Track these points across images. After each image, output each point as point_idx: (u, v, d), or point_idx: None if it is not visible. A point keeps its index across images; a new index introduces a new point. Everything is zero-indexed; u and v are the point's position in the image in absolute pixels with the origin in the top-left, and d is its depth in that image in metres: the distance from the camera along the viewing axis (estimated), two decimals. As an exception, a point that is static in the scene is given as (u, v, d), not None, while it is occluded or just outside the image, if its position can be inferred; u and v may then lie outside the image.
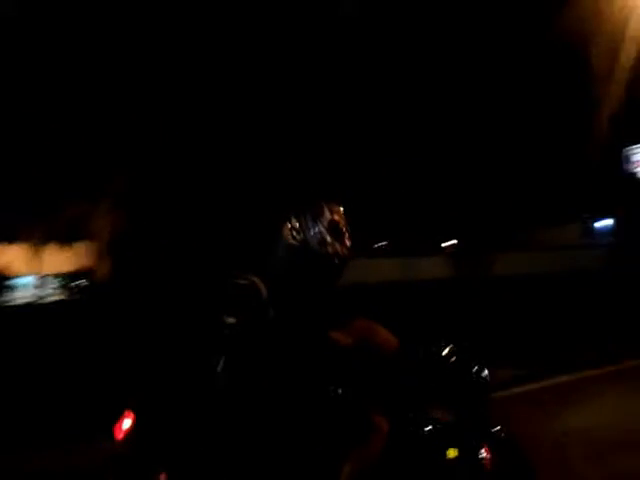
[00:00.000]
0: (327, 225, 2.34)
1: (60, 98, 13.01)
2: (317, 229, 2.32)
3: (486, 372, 2.45)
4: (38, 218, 14.81)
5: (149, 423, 2.22)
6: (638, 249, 21.95)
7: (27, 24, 12.56)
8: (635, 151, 25.16)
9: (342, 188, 12.71)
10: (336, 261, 2.32)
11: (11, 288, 15.87)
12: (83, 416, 5.57)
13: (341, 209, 2.45)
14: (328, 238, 2.32)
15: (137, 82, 13.27)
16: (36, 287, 18.11)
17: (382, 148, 17.30)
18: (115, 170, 13.94)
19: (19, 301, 15.63)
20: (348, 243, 2.39)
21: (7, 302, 14.96)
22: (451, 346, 2.45)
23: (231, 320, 2.12)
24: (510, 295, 13.55)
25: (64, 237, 15.76)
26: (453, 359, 2.41)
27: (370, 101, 15.83)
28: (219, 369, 2.11)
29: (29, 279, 18.05)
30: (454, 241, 24.53)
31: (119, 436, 2.22)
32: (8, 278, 15.81)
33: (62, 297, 16.67)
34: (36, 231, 15.34)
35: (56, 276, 17.69)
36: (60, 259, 16.54)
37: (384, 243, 23.64)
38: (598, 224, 26.25)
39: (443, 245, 24.74)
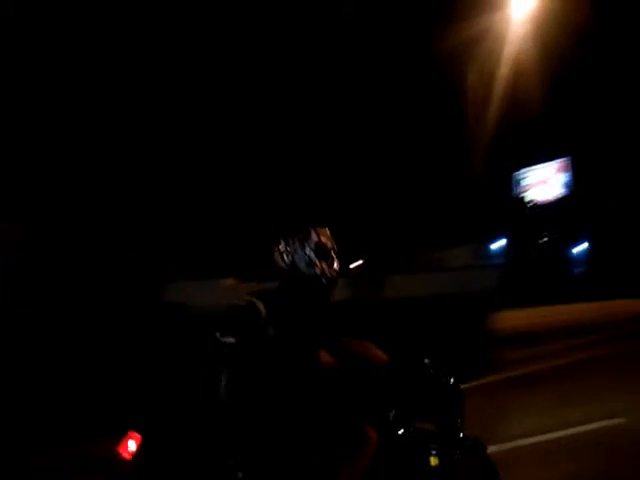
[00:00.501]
0: (314, 247, 2.45)
1: None
2: (304, 251, 2.44)
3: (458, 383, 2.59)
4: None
5: (157, 443, 2.27)
6: (526, 269, 22.90)
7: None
8: (524, 175, 26.41)
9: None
10: (324, 281, 2.45)
11: None
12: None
13: (327, 231, 2.56)
14: (315, 260, 2.44)
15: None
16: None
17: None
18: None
19: None
20: (335, 264, 2.51)
21: None
22: (428, 360, 2.58)
23: (230, 340, 2.23)
24: (399, 317, 13.47)
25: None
26: (432, 372, 2.54)
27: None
28: (222, 386, 2.21)
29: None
30: (360, 261, 24.66)
31: (125, 456, 2.26)
32: None
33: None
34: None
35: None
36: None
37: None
38: (493, 245, 27.09)
39: (351, 266, 24.81)
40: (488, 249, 26.45)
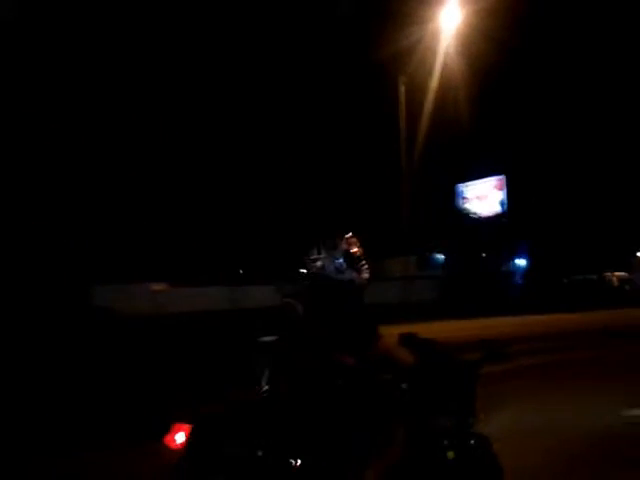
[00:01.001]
0: (343, 254, 2.61)
1: None
2: (334, 259, 2.59)
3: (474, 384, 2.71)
4: None
5: (207, 433, 2.36)
6: (465, 279, 23.15)
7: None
8: (466, 187, 26.73)
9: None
10: (353, 286, 2.61)
11: None
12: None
13: (356, 239, 2.70)
14: (344, 266, 2.59)
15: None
16: None
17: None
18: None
19: None
20: (364, 269, 2.67)
21: None
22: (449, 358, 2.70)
23: (271, 338, 2.41)
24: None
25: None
26: (455, 373, 2.64)
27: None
28: (264, 381, 2.39)
29: None
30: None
31: (174, 446, 2.37)
32: None
33: None
34: None
35: None
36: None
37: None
38: (436, 256, 27.36)
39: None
40: (429, 260, 26.76)
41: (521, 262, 29.58)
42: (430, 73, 13.82)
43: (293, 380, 2.44)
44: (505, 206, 25.09)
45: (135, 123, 15.14)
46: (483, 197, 25.81)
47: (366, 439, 2.44)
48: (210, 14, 15.45)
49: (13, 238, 13.81)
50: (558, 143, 25.75)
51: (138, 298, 17.18)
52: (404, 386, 2.59)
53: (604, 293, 23.15)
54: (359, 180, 20.06)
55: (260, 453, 2.31)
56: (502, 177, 25.22)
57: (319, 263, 2.63)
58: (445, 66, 13.78)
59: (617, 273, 28.67)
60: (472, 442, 2.65)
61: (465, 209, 26.42)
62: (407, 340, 2.69)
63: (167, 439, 2.44)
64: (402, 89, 13.99)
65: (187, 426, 2.41)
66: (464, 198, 26.58)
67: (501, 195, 25.19)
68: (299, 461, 2.34)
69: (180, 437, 2.40)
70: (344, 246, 2.67)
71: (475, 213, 26.11)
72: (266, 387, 2.45)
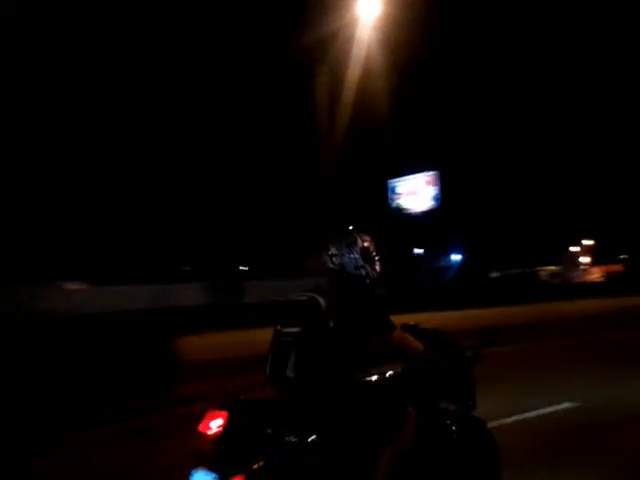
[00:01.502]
0: (359, 251, 2.75)
1: None
2: (351, 255, 2.75)
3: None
4: None
5: (243, 420, 2.49)
6: (398, 277, 23.13)
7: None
8: (398, 183, 26.87)
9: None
10: (368, 281, 2.77)
11: None
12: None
13: (370, 237, 2.82)
14: (361, 262, 2.74)
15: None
16: None
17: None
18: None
19: None
20: (377, 266, 2.80)
21: None
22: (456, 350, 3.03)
23: (295, 329, 2.60)
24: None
25: None
26: (460, 361, 3.01)
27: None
28: (289, 371, 2.56)
29: None
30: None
31: (209, 432, 2.46)
32: None
33: None
34: None
35: None
36: None
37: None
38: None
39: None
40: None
41: (457, 257, 30.01)
42: (348, 64, 13.61)
43: (320, 369, 2.57)
44: (438, 201, 25.29)
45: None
46: (416, 193, 25.93)
47: (384, 424, 2.64)
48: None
49: None
50: (491, 138, 26.13)
51: (53, 299, 16.43)
52: (415, 373, 2.86)
53: (534, 287, 23.62)
54: (291, 178, 19.85)
55: (294, 438, 2.45)
56: (435, 172, 25.38)
57: (337, 259, 2.77)
58: (368, 57, 13.61)
59: (547, 267, 29.55)
60: (471, 423, 2.99)
61: (398, 205, 26.51)
62: (411, 331, 2.88)
63: (201, 426, 2.51)
64: (322, 79, 13.69)
65: (223, 412, 2.48)
66: (396, 194, 26.67)
67: (434, 190, 25.36)
68: (326, 445, 2.52)
69: (216, 424, 2.45)
70: (359, 242, 2.79)
71: (408, 209, 26.23)
72: (292, 375, 2.55)
